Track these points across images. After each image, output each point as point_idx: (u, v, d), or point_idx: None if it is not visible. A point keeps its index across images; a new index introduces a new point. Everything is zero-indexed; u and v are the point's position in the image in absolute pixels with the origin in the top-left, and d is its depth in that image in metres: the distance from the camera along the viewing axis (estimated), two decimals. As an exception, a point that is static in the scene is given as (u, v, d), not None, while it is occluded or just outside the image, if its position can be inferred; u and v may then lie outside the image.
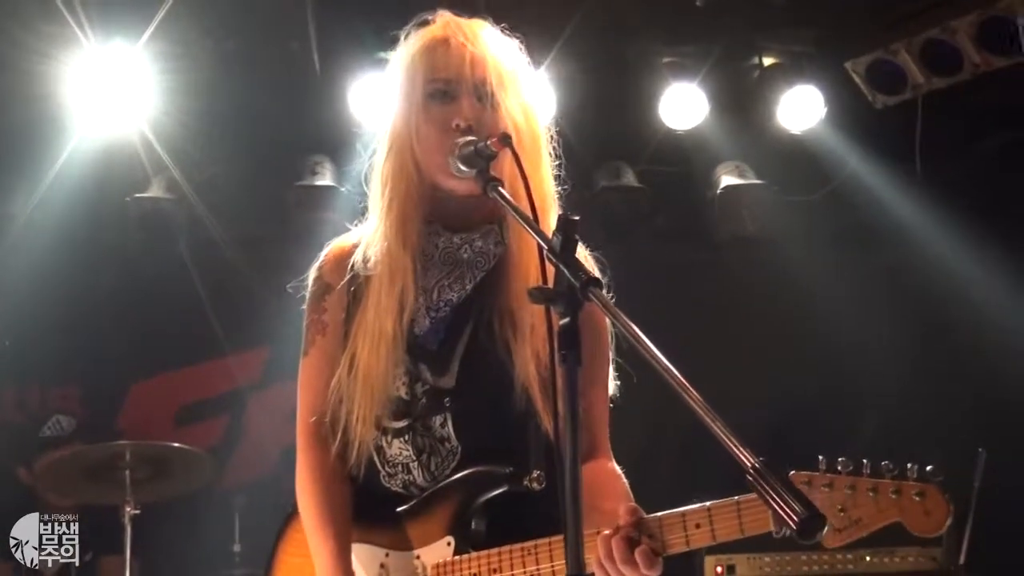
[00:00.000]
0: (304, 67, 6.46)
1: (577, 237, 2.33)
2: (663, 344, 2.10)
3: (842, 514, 2.33)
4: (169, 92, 6.34)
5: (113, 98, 6.19)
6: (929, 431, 6.57)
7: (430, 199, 2.84)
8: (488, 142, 2.65)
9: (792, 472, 2.32)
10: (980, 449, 5.63)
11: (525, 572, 2.60)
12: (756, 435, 2.10)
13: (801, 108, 6.68)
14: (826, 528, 1.87)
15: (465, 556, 2.70)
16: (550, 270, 2.28)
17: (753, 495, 2.17)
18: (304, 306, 3.02)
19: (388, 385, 2.78)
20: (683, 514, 2.46)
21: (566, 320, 2.24)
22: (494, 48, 2.90)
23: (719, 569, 6.17)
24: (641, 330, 2.11)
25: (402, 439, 2.80)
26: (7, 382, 7.03)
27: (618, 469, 2.83)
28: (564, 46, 6.11)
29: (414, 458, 2.80)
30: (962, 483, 5.69)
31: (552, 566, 2.56)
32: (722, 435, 1.90)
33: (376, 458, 2.84)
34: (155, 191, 6.84)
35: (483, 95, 2.81)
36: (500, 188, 2.58)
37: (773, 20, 6.59)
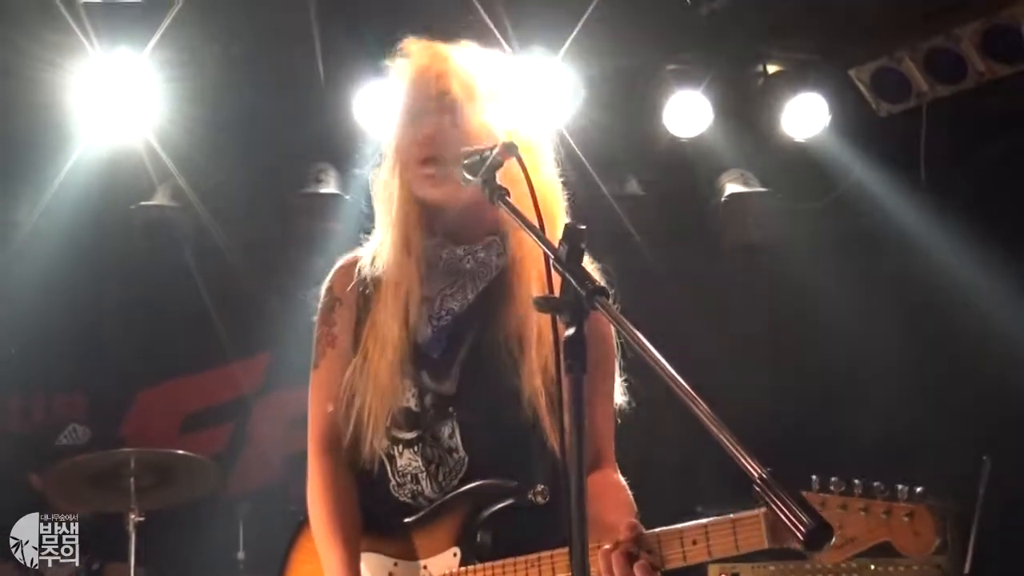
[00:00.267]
0: (309, 75, 6.47)
1: (583, 246, 2.33)
2: (668, 353, 2.10)
3: (838, 532, 2.35)
4: (174, 100, 6.34)
5: (118, 106, 6.20)
6: (933, 439, 6.56)
7: (432, 211, 2.90)
8: (493, 151, 2.66)
9: None
10: (985, 457, 5.62)
11: None
12: (761, 444, 2.11)
13: (805, 116, 6.69)
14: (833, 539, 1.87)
15: (471, 567, 2.73)
16: (557, 279, 2.30)
17: (748, 513, 2.42)
18: (314, 317, 3.05)
19: (396, 388, 2.83)
20: (681, 531, 2.49)
21: (572, 329, 2.24)
22: (461, 65, 2.92)
23: (715, 578, 6.17)
24: (647, 339, 2.12)
25: (412, 449, 2.85)
26: (12, 390, 7.03)
27: (622, 480, 2.87)
28: (568, 54, 6.11)
29: (423, 468, 2.83)
30: (967, 491, 5.69)
31: None
32: (729, 445, 1.90)
33: (387, 467, 2.88)
34: (160, 199, 6.85)
35: (447, 109, 2.86)
36: (506, 197, 2.60)
37: (777, 28, 6.60)
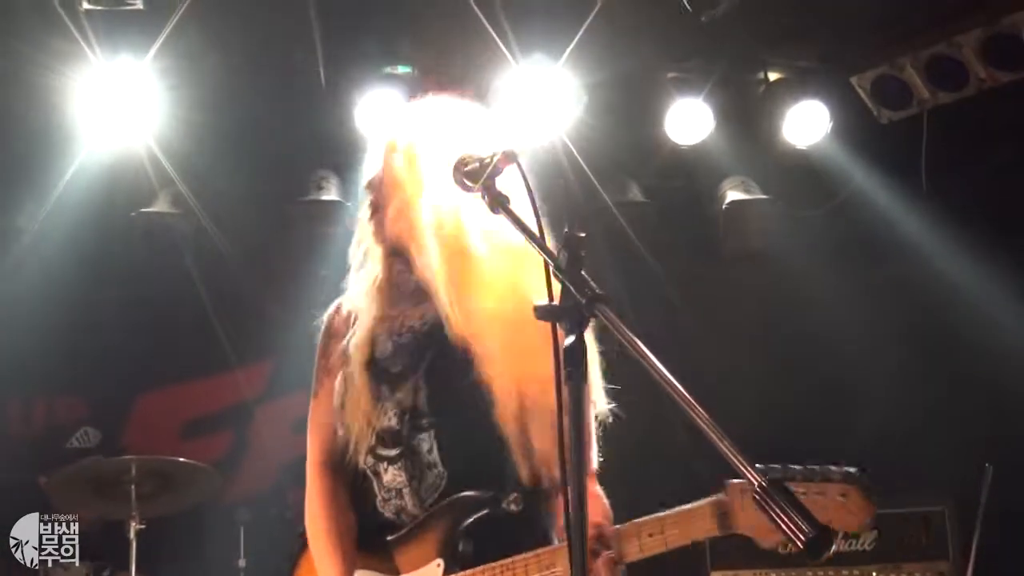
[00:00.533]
0: (310, 82, 6.47)
1: (583, 254, 2.34)
2: (668, 359, 2.11)
3: None
4: (175, 107, 6.35)
5: (120, 113, 6.21)
6: (934, 446, 6.56)
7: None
8: (494, 158, 2.68)
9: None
10: (987, 465, 5.61)
11: None
12: (761, 451, 2.11)
13: (807, 123, 6.68)
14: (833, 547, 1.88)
15: None
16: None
17: (699, 503, 2.63)
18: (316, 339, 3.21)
19: (375, 408, 2.96)
20: (639, 525, 2.68)
21: (572, 337, 2.25)
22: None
23: (711, 583, 6.18)
24: (647, 346, 2.12)
25: (396, 466, 2.95)
26: (13, 394, 7.04)
27: (599, 490, 2.90)
28: (569, 61, 6.12)
29: (406, 483, 2.94)
30: (969, 498, 5.68)
31: None
32: (728, 452, 1.91)
33: (374, 484, 2.99)
34: (161, 205, 6.86)
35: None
36: (507, 205, 2.61)
37: (778, 35, 6.60)
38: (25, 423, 7.22)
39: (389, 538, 2.95)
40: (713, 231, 7.18)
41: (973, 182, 6.79)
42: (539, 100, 6.25)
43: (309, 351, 3.36)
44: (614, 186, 7.06)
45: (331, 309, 3.22)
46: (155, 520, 5.42)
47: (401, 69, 6.54)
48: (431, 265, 2.90)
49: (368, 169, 3.20)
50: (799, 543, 1.84)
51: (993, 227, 6.62)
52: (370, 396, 2.97)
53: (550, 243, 2.49)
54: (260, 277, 7.18)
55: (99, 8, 5.79)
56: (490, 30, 5.92)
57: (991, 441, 6.37)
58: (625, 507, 2.88)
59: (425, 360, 2.98)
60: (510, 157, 2.70)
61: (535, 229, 2.50)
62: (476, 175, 2.69)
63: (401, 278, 3.07)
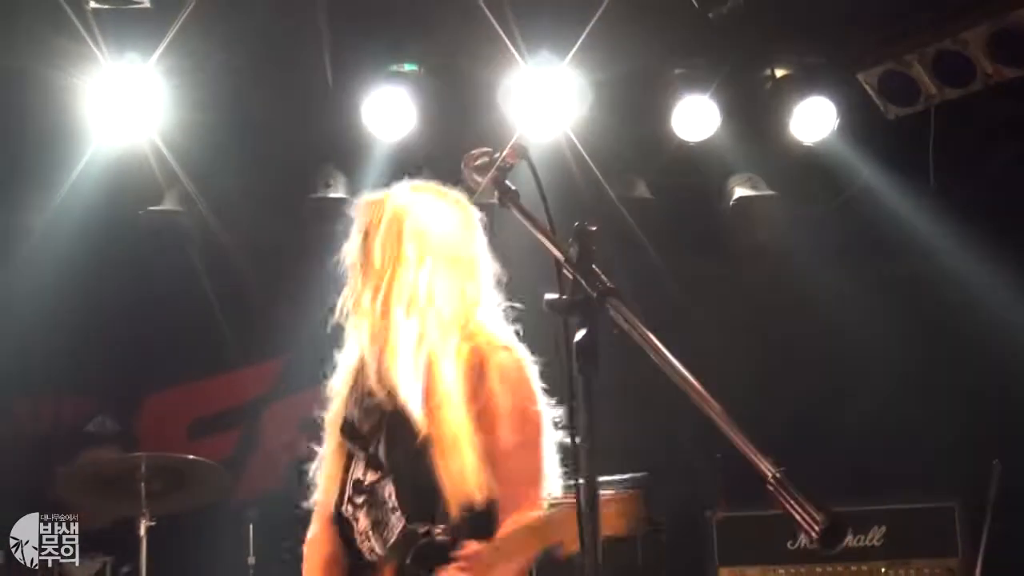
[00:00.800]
0: (316, 80, 6.48)
1: (594, 248, 2.34)
2: (675, 356, 2.10)
3: None
4: (182, 106, 6.37)
5: (127, 112, 6.23)
6: (943, 443, 6.55)
7: None
8: (503, 153, 2.69)
9: None
10: (995, 461, 5.61)
11: None
12: (769, 446, 2.10)
13: (813, 119, 6.67)
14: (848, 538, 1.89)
15: None
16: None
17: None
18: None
19: (345, 464, 3.25)
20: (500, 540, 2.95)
21: (583, 332, 2.25)
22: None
23: (732, 582, 6.17)
24: (658, 340, 2.12)
25: (363, 511, 3.18)
26: (22, 393, 7.06)
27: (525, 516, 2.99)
28: (576, 58, 6.12)
29: (372, 527, 3.16)
30: (978, 495, 5.68)
31: None
32: (742, 445, 1.91)
33: (353, 529, 3.21)
34: (168, 204, 6.87)
35: None
36: (517, 200, 2.61)
37: (785, 32, 6.59)
38: (34, 421, 7.22)
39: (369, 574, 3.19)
40: (720, 227, 7.18)
41: (980, 178, 6.79)
42: (546, 97, 6.26)
43: (317, 349, 3.37)
44: (620, 183, 7.06)
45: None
46: (165, 518, 5.42)
47: (407, 67, 6.54)
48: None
49: (348, 251, 3.32)
50: (813, 533, 1.84)
51: (1000, 223, 6.61)
52: (344, 453, 3.25)
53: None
54: (268, 275, 7.19)
55: (106, 7, 5.81)
56: (497, 28, 5.93)
57: (999, 437, 6.36)
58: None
59: (384, 420, 3.16)
60: (520, 152, 2.71)
61: (545, 223, 2.51)
62: (485, 170, 2.70)
63: None
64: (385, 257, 3.16)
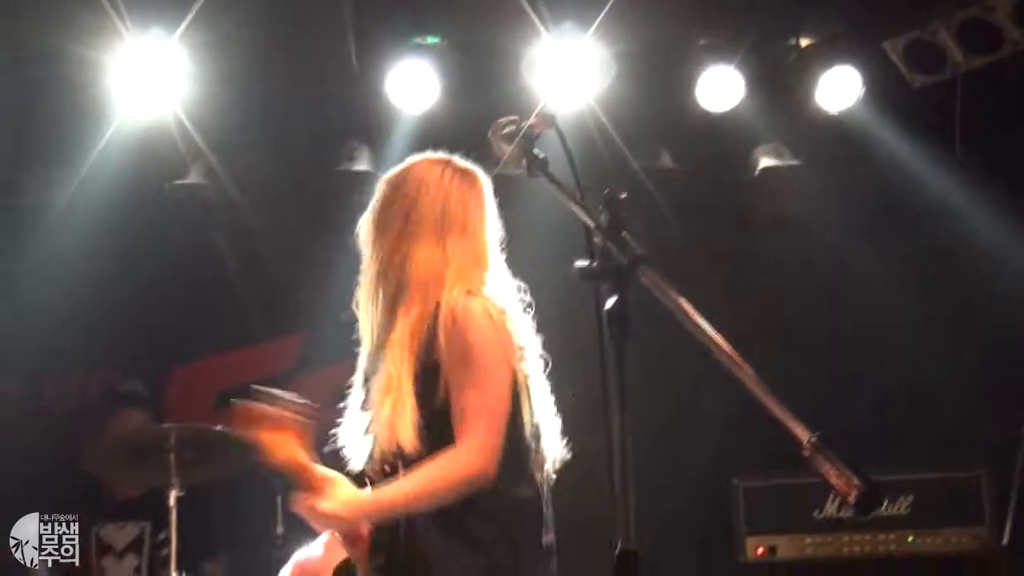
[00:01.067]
0: (340, 53, 6.48)
1: (625, 214, 2.34)
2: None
3: None
4: (206, 81, 6.37)
5: (151, 87, 6.24)
6: (970, 411, 6.54)
7: None
8: (529, 121, 2.70)
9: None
10: (1023, 429, 5.60)
11: None
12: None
13: (839, 89, 6.63)
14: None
15: None
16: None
17: None
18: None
19: None
20: None
21: (614, 299, 2.25)
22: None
23: (760, 550, 6.17)
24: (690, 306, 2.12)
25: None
26: (48, 368, 7.10)
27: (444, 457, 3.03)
28: (600, 29, 6.09)
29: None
30: (1006, 463, 5.67)
31: None
32: (777, 410, 1.91)
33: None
34: (193, 178, 6.89)
35: None
36: (546, 167, 2.62)
37: (809, 1, 6.56)
38: (61, 397, 7.27)
39: None
40: (745, 198, 7.16)
41: (1007, 146, 6.74)
42: (569, 69, 6.24)
43: (340, 324, 3.40)
44: (645, 154, 7.04)
45: None
46: (195, 488, 5.45)
47: (430, 40, 6.54)
48: None
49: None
50: (851, 497, 1.84)
51: (1027, 191, 6.58)
52: None
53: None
54: (292, 249, 7.20)
55: (130, -18, 5.82)
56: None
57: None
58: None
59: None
60: (548, 120, 2.72)
61: (575, 190, 2.51)
62: (513, 138, 2.70)
63: None
64: (376, 227, 3.29)
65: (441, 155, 3.38)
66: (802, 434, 1.88)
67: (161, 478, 5.28)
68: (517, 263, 3.37)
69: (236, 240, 7.24)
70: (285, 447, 3.09)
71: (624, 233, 2.30)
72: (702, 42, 6.66)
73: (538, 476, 3.16)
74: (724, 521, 6.37)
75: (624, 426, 2.20)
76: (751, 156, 7.08)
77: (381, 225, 3.28)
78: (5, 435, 7.04)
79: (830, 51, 6.68)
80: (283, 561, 5.73)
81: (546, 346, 3.30)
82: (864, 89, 6.61)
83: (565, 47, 6.18)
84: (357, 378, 3.34)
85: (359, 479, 3.20)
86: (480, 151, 3.31)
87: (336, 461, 3.27)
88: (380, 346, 3.22)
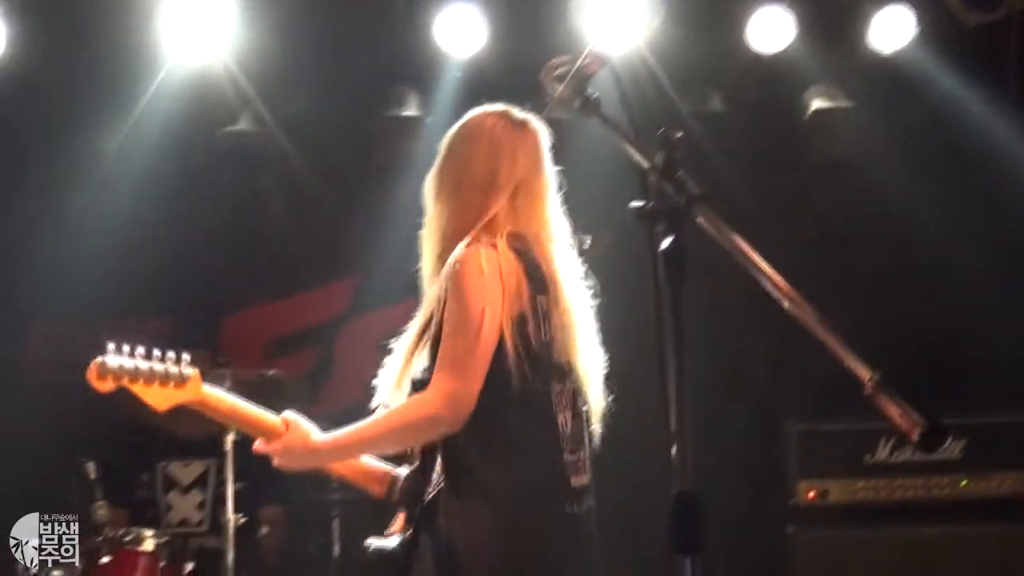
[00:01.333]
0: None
1: (680, 154, 2.32)
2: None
3: None
4: (255, 27, 6.41)
5: (200, 33, 6.27)
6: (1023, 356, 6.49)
7: None
8: (582, 60, 2.67)
9: None
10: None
11: None
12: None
13: (892, 28, 6.55)
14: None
15: None
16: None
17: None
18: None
19: None
20: None
21: (670, 240, 2.23)
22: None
23: (812, 494, 6.16)
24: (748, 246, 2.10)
25: None
26: (104, 318, 7.16)
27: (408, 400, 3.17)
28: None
29: None
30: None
31: None
32: (839, 349, 1.89)
33: None
34: (243, 125, 6.91)
35: None
36: (599, 108, 2.59)
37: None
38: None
39: None
40: (797, 141, 7.09)
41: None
42: (618, 10, 6.18)
43: (390, 268, 3.40)
44: (695, 97, 6.97)
45: None
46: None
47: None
48: None
49: None
50: (914, 435, 1.82)
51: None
52: None
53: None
54: (341, 195, 7.22)
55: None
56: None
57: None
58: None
59: None
60: (602, 60, 2.68)
61: (629, 131, 2.48)
62: (566, 79, 2.68)
63: None
64: (433, 183, 3.31)
65: (498, 107, 3.37)
66: (864, 373, 1.86)
67: (218, 423, 5.33)
68: (570, 206, 3.35)
69: (286, 187, 7.27)
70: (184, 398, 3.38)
71: (680, 173, 2.28)
72: (753, -19, 6.58)
73: (563, 416, 3.15)
74: (776, 466, 6.36)
75: (681, 369, 2.18)
76: (803, 98, 7.00)
77: (437, 181, 3.31)
78: (65, 378, 7.13)
79: (883, -10, 6.58)
80: (339, 504, 5.83)
81: (600, 289, 3.30)
82: (918, 29, 6.52)
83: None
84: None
85: None
86: (529, 94, 3.30)
87: None
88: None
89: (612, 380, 3.30)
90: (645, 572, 5.01)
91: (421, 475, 3.21)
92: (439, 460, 3.16)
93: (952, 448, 6.06)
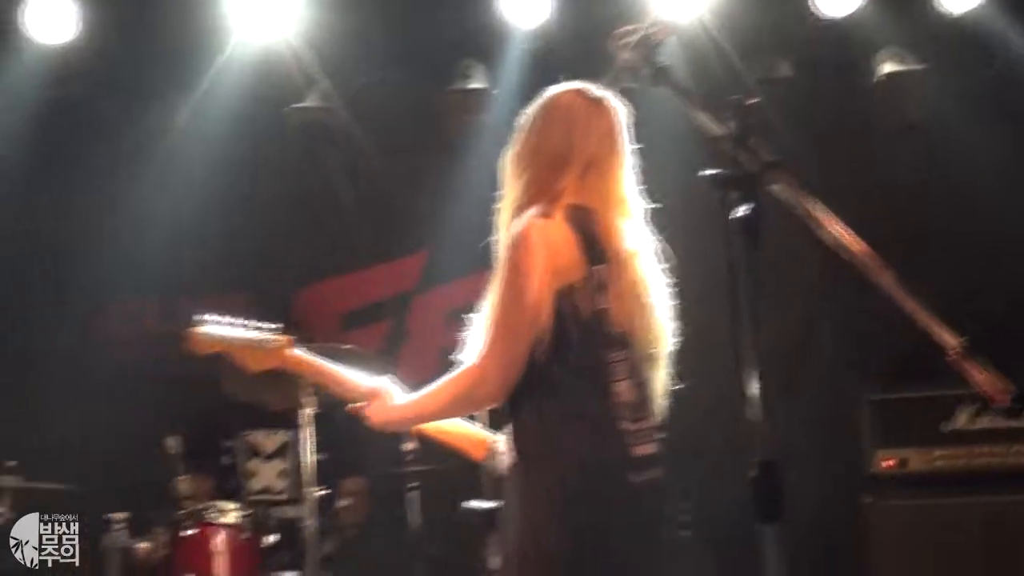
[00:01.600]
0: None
1: (754, 121, 2.30)
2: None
3: None
4: (320, 3, 6.46)
5: (266, 10, 6.32)
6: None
7: None
8: (651, 27, 2.66)
9: None
10: None
11: None
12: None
13: (962, -12, 6.46)
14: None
15: None
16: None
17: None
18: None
19: None
20: None
21: (746, 207, 2.22)
22: None
23: (890, 463, 6.11)
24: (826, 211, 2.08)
25: None
26: (181, 294, 7.27)
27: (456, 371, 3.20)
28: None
29: None
30: None
31: None
32: (922, 314, 1.87)
33: None
34: (310, 101, 6.95)
35: None
36: (669, 76, 2.58)
37: None
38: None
39: None
40: (867, 105, 6.98)
41: None
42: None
43: (459, 241, 3.41)
44: (762, 63, 6.89)
45: None
46: (327, 406, 5.54)
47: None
48: None
49: None
50: (1003, 400, 1.81)
51: None
52: None
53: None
54: (408, 169, 7.25)
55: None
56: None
57: None
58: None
59: None
60: (669, 27, 2.68)
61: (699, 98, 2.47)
62: (636, 47, 2.66)
63: None
64: (510, 161, 3.32)
65: (576, 84, 3.36)
66: (949, 339, 1.84)
67: (294, 397, 5.38)
68: (645, 176, 3.34)
69: (355, 161, 7.31)
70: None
71: (753, 140, 2.26)
72: (820, -57, 6.49)
73: (621, 385, 3.14)
74: (851, 436, 6.31)
75: (758, 337, 2.17)
76: (872, 62, 6.90)
77: (512, 157, 3.33)
78: (145, 354, 7.27)
79: (954, -51, 6.47)
80: (418, 476, 5.88)
81: (675, 261, 3.29)
82: (988, -12, 6.41)
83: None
84: None
85: None
86: (594, 65, 3.29)
87: None
88: None
89: (688, 351, 3.29)
90: (725, 542, 5.03)
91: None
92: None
93: (1031, 415, 5.98)
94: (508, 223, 3.23)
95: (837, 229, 2.04)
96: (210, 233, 7.04)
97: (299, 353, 3.69)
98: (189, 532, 5.30)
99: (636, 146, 3.32)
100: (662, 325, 3.23)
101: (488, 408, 3.20)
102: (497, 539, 3.20)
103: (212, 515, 5.38)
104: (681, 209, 3.55)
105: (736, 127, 2.29)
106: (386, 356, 7.11)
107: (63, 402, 6.69)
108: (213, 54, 6.64)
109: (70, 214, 7.14)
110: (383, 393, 3.48)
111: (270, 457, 6.24)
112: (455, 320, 3.36)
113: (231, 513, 5.39)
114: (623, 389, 3.12)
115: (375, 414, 3.45)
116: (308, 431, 5.07)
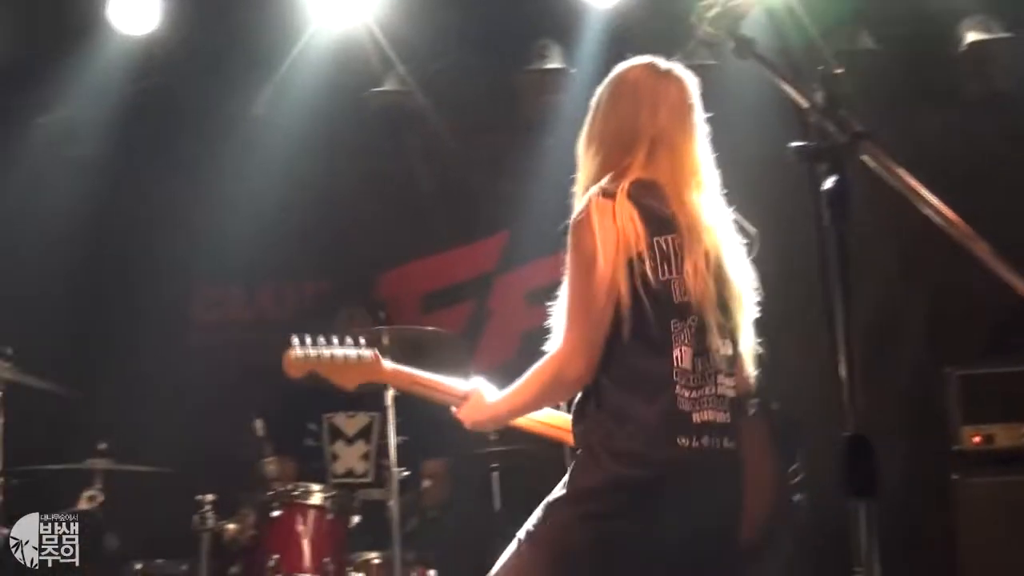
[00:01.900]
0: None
1: (842, 91, 2.27)
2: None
3: None
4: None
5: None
6: None
7: None
8: (734, 2, 2.63)
9: None
10: None
11: None
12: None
13: (1051, -47, 6.30)
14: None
15: None
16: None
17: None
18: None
19: None
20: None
21: (833, 179, 2.19)
22: None
23: (977, 439, 6.02)
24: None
25: None
26: (265, 281, 7.34)
27: (542, 360, 3.24)
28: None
29: None
30: None
31: None
32: (1018, 284, 1.83)
33: None
34: (389, 85, 6.98)
35: None
36: (755, 48, 2.55)
37: None
38: (278, 307, 7.51)
39: None
40: (953, 75, 6.85)
41: None
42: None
43: (539, 222, 3.41)
44: (843, 35, 6.78)
45: None
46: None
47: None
48: None
49: None
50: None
51: None
52: None
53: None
54: (487, 151, 7.27)
55: None
56: None
57: None
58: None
59: None
60: (751, 1, 2.64)
61: (786, 70, 2.44)
62: (720, 19, 2.64)
63: None
64: (583, 138, 3.37)
65: (644, 59, 3.37)
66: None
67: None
68: (725, 151, 3.32)
69: (432, 145, 7.33)
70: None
71: (842, 110, 2.23)
72: (903, -91, 6.37)
73: (681, 351, 3.15)
74: (938, 410, 6.22)
75: (848, 312, 2.14)
76: (957, 30, 6.76)
77: (585, 136, 3.36)
78: (229, 338, 7.37)
79: (1043, -88, 6.32)
80: (499, 457, 5.89)
81: (761, 234, 3.27)
82: (1079, -48, 6.24)
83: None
84: None
85: None
86: (672, 41, 3.27)
87: None
88: None
89: (774, 324, 3.27)
90: (814, 516, 4.97)
91: None
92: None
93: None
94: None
95: (929, 200, 1.99)
96: (291, 219, 7.10)
97: (392, 366, 3.71)
98: (276, 513, 5.35)
99: (714, 120, 3.30)
100: (738, 296, 3.24)
101: (578, 389, 3.19)
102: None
103: (299, 496, 5.43)
104: (762, 183, 3.52)
105: (823, 98, 2.25)
106: (467, 337, 7.14)
107: (153, 385, 6.79)
108: (292, 41, 6.69)
109: (155, 201, 7.23)
110: (476, 394, 3.52)
111: (352, 439, 6.30)
112: (535, 300, 3.39)
113: (317, 494, 5.44)
114: (682, 355, 3.14)
115: (468, 416, 3.51)
116: (389, 413, 5.09)
